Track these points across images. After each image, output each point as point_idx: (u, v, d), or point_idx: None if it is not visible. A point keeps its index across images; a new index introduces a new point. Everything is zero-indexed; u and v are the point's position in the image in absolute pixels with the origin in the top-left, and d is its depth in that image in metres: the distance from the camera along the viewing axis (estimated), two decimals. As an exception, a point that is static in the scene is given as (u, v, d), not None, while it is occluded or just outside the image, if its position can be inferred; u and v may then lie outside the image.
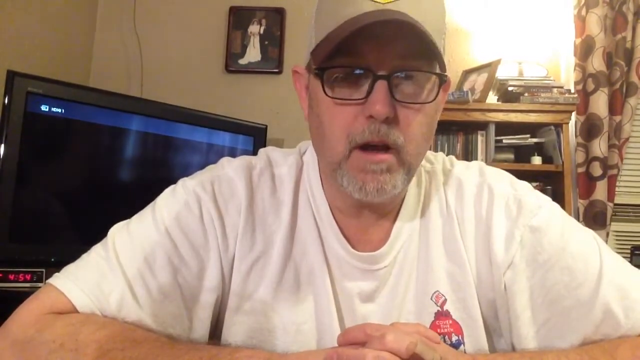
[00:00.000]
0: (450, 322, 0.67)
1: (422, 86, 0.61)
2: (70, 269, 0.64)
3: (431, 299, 0.68)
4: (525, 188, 0.72)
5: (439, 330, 0.66)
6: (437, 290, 0.68)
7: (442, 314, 0.67)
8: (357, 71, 0.59)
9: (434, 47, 0.57)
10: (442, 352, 0.55)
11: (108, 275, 0.62)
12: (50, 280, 0.63)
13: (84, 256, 0.66)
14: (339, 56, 0.58)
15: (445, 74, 0.62)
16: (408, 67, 0.60)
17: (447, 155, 0.78)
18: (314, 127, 0.66)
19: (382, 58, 0.58)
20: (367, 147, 0.60)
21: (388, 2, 0.58)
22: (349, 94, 0.60)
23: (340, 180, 0.62)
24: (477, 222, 0.69)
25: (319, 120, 0.63)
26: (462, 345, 0.66)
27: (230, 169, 0.71)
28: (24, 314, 0.60)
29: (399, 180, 0.62)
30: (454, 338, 0.66)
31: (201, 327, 0.66)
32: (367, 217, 0.69)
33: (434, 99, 0.62)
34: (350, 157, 0.61)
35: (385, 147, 0.60)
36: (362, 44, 0.58)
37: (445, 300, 0.67)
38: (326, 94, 0.60)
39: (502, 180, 0.72)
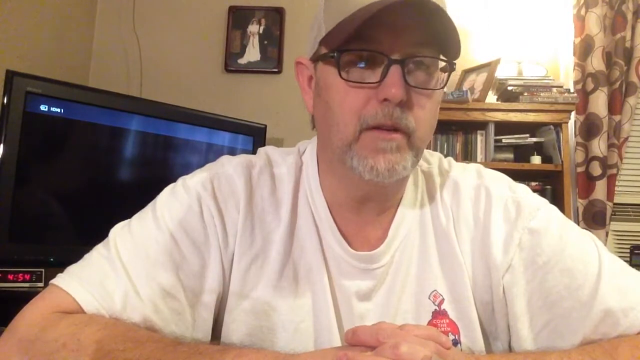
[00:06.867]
0: (447, 321, 0.67)
1: (432, 73, 0.63)
2: (73, 269, 0.64)
3: (429, 298, 0.68)
4: (523, 190, 0.72)
5: None
6: (435, 290, 0.68)
7: (439, 313, 0.67)
8: (373, 55, 0.60)
9: (455, 33, 0.59)
10: (454, 359, 0.53)
11: (111, 275, 0.62)
12: (54, 281, 0.63)
13: (86, 256, 0.66)
14: (354, 41, 0.60)
15: (455, 62, 0.64)
16: (421, 54, 0.61)
17: (445, 157, 0.78)
18: (321, 114, 0.66)
19: (397, 44, 0.60)
20: (377, 128, 0.61)
21: None
22: (362, 77, 0.61)
23: (350, 162, 0.63)
24: (475, 224, 0.69)
25: (327, 106, 0.64)
26: (458, 345, 0.66)
27: (230, 167, 0.71)
28: (31, 313, 0.61)
29: (409, 161, 0.63)
30: (451, 337, 0.66)
31: (203, 324, 0.66)
32: (367, 212, 0.69)
33: (444, 85, 0.64)
34: (361, 138, 0.62)
35: (395, 129, 0.61)
36: (378, 31, 0.59)
37: (443, 299, 0.68)
38: (341, 77, 0.61)
39: (500, 183, 0.72)
